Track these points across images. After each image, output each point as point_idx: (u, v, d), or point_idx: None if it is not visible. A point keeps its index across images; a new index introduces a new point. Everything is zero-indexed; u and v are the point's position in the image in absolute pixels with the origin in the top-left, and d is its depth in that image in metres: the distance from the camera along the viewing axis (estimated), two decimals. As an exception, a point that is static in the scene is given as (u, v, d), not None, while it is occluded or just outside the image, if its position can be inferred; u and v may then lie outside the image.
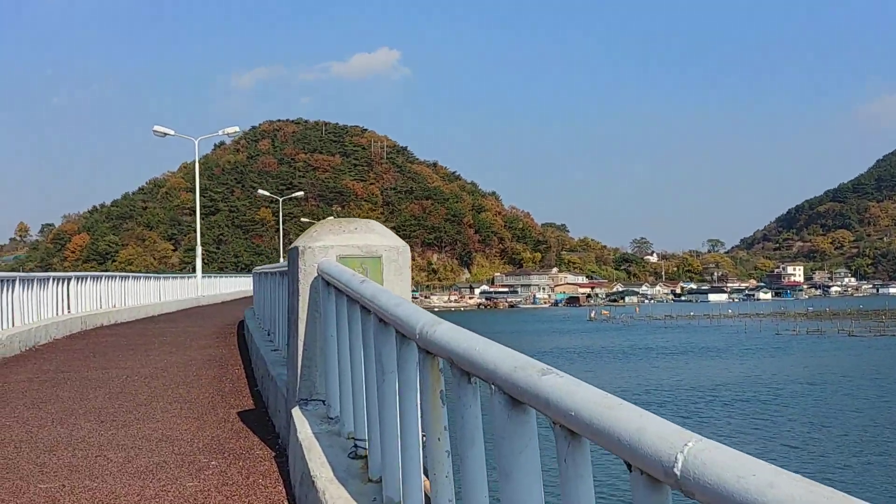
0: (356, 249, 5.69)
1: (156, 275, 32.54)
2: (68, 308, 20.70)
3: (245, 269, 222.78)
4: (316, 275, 5.65)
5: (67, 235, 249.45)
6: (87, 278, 22.37)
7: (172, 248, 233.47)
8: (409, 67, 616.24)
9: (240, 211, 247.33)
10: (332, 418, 5.26)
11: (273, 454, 6.24)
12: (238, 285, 51.71)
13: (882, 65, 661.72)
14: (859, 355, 64.99)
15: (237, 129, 41.71)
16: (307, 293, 5.67)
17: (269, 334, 11.98)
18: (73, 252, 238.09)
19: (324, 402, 5.62)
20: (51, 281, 18.93)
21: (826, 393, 43.64)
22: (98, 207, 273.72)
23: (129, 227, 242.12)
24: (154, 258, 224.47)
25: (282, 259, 79.12)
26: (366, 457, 4.52)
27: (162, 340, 17.32)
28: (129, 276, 27.46)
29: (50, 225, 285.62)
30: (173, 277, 34.80)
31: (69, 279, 20.83)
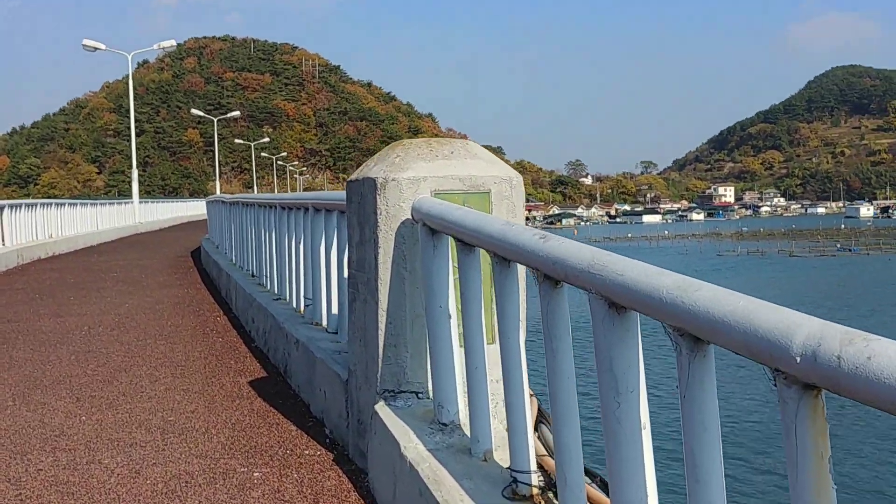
0: (457, 182, 4.07)
1: (92, 201, 30.06)
2: (2, 241, 18.50)
3: (173, 192, 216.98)
4: (407, 218, 4.02)
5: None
6: (20, 206, 20.09)
7: (97, 170, 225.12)
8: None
9: (166, 132, 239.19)
10: (444, 424, 3.71)
11: (331, 456, 4.67)
12: (175, 211, 49.11)
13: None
14: (808, 276, 65.82)
15: (173, 42, 38.59)
16: (390, 243, 4.05)
17: (253, 276, 10.28)
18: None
19: (418, 394, 4.06)
20: (-20, 211, 16.72)
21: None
22: (18, 129, 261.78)
23: (51, 149, 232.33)
24: (78, 182, 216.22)
25: (219, 185, 75.89)
26: (533, 499, 3.03)
27: (113, 277, 15.40)
28: (64, 203, 25.07)
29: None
30: (110, 203, 32.30)
31: (1, 208, 18.57)
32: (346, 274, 5.83)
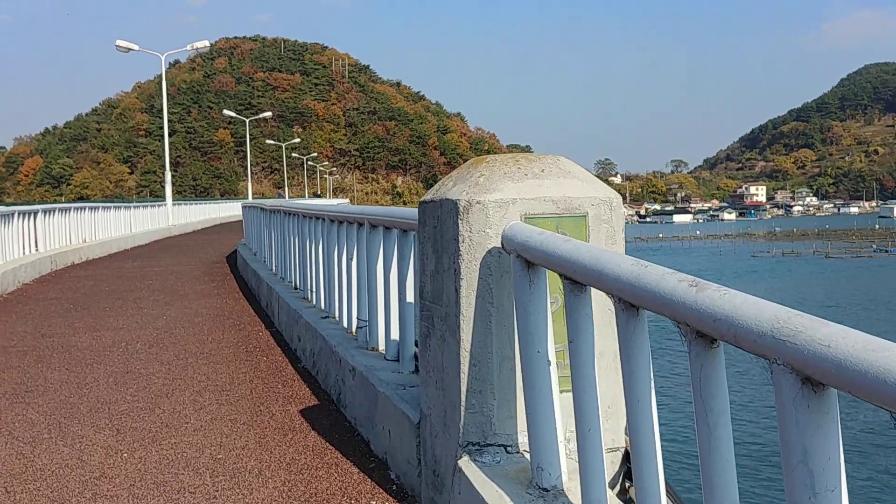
0: (549, 204, 3.57)
1: (125, 203, 29.90)
2: (35, 246, 18.26)
3: (204, 192, 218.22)
4: (494, 246, 3.52)
5: (20, 159, 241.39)
6: (54, 211, 19.86)
7: (129, 170, 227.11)
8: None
9: (197, 132, 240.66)
10: (545, 489, 3.20)
11: (406, 510, 4.19)
12: (207, 212, 49.01)
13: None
14: (847, 279, 64.52)
15: (206, 43, 38.38)
16: (474, 275, 3.55)
17: (296, 289, 9.83)
18: (26, 176, 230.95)
19: (507, 448, 3.56)
20: (16, 216, 16.47)
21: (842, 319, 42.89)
22: (51, 129, 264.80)
23: (84, 149, 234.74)
24: (110, 182, 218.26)
25: (250, 186, 75.84)
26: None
27: (148, 285, 15.06)
28: (98, 207, 24.88)
29: (1, 148, 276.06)
30: (143, 206, 32.14)
31: (35, 213, 18.33)
32: (408, 298, 5.36)
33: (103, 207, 25.41)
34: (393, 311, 5.73)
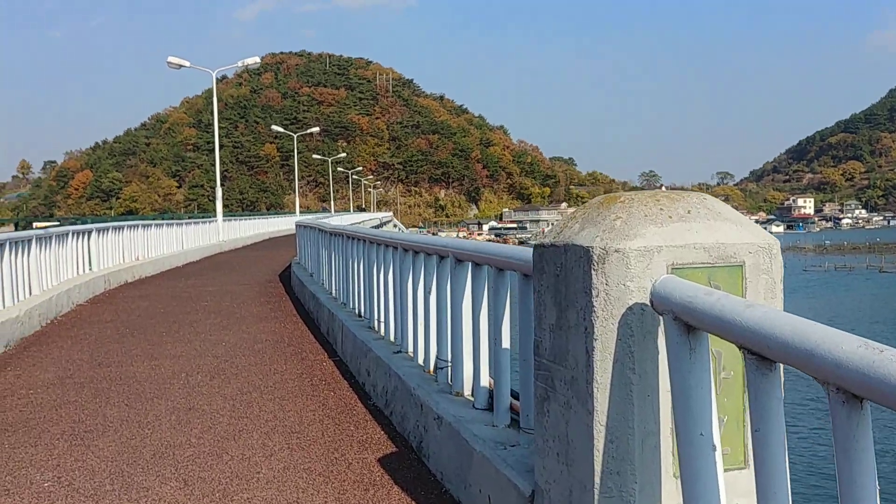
0: (700, 252, 3.05)
1: (177, 221, 29.88)
2: (90, 265, 18.13)
3: (251, 206, 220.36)
4: (636, 302, 3.01)
5: (71, 173, 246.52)
6: (108, 230, 19.74)
7: (177, 184, 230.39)
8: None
9: (244, 147, 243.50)
10: None
11: None
12: (256, 228, 49.11)
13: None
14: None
15: (257, 59, 38.39)
16: (611, 335, 3.04)
17: (360, 317, 9.40)
18: (76, 189, 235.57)
19: (653, 539, 3.03)
20: (70, 236, 16.32)
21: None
22: (101, 144, 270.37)
23: (133, 163, 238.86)
24: (158, 195, 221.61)
25: (297, 200, 76.00)
26: None
27: (204, 306, 14.77)
28: (151, 224, 24.82)
29: (52, 162, 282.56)
30: (195, 223, 32.11)
31: (89, 232, 18.22)
32: (504, 342, 4.86)
33: (156, 225, 25.36)
34: (482, 353, 5.23)
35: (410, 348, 6.91)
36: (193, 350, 10.18)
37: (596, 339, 3.08)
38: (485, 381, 5.20)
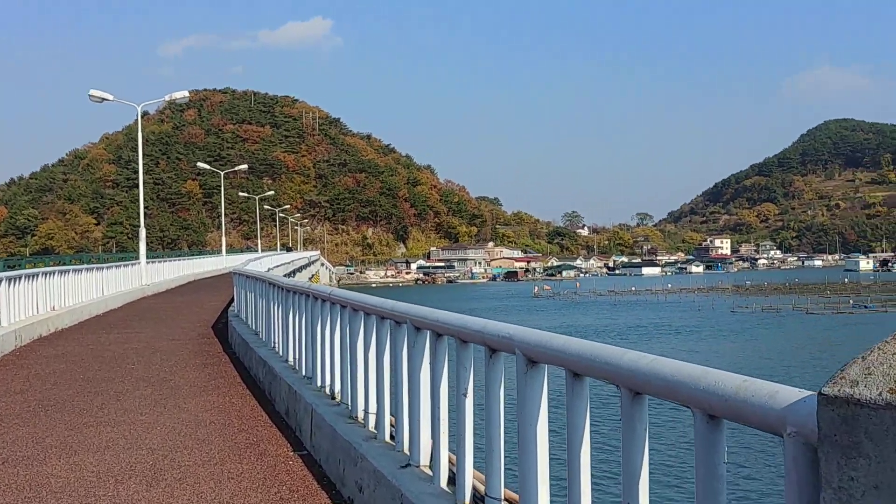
0: None
1: (98, 265, 27.54)
2: (-2, 319, 15.97)
3: (172, 243, 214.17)
4: None
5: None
6: (20, 278, 17.56)
7: (95, 222, 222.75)
8: (341, 37, 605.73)
9: (165, 183, 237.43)
10: None
11: None
12: (181, 269, 46.54)
13: (810, 39, 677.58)
14: (830, 334, 63.95)
15: (185, 93, 36.37)
16: None
17: (334, 399, 7.74)
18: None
19: None
20: (-26, 288, 14.20)
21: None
22: (16, 180, 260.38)
23: (49, 200, 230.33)
24: (76, 233, 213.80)
25: (224, 239, 73.44)
26: None
27: (131, 371, 12.84)
28: (69, 270, 22.54)
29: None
30: (116, 266, 29.75)
31: (-2, 282, 16.07)
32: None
33: (74, 270, 23.07)
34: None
35: (424, 460, 5.31)
36: (122, 438, 8.34)
37: None
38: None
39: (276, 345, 11.25)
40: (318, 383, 8.37)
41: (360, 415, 6.79)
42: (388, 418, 6.18)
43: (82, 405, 10.16)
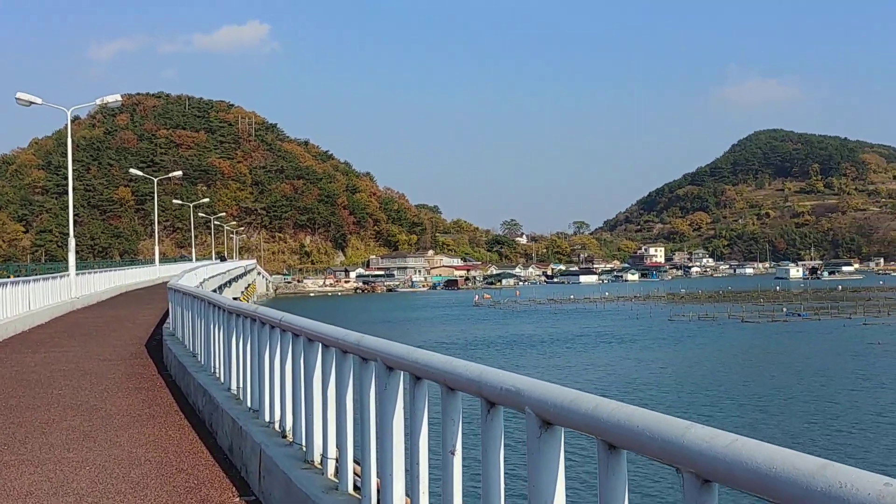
0: None
1: (24, 278, 26.06)
2: None
3: (103, 252, 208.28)
4: None
5: None
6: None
7: (24, 229, 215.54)
8: (279, 42, 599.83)
9: (96, 190, 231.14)
10: None
11: None
12: (112, 280, 44.83)
13: (738, 51, 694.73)
14: (768, 342, 64.97)
15: (118, 97, 34.92)
16: None
17: (285, 437, 6.99)
18: None
19: None
20: None
21: (775, 384, 42.61)
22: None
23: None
24: (3, 241, 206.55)
25: (157, 247, 71.39)
26: None
27: (58, 397, 11.85)
28: (-11, 285, 21.19)
29: None
30: (44, 279, 28.24)
31: None
32: None
33: (-6, 285, 21.72)
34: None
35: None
36: (46, 480, 7.46)
37: None
38: None
39: (217, 370, 10.43)
40: (267, 418, 7.62)
41: (317, 458, 6.08)
42: (350, 465, 5.48)
43: (2, 439, 9.20)
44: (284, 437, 7.02)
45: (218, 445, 8.68)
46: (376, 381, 4.82)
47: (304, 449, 6.35)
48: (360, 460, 5.32)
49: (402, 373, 4.59)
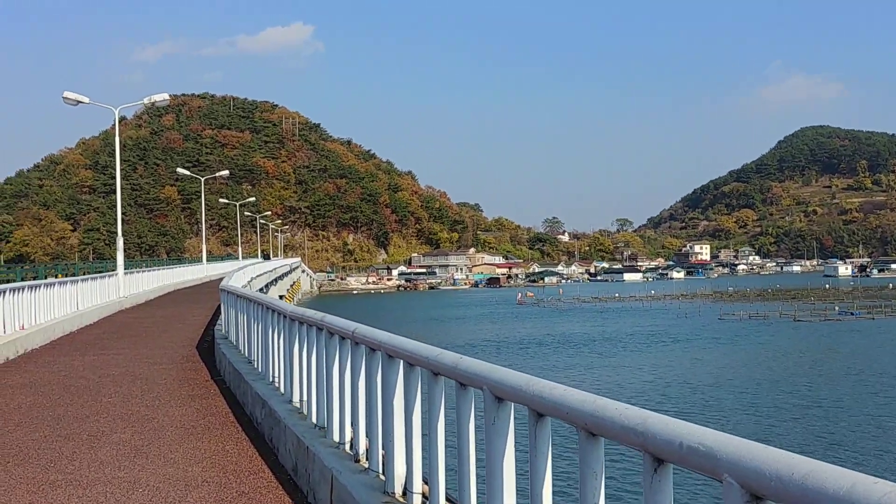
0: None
1: (72, 279, 25.84)
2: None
3: (150, 250, 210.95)
4: None
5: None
6: (-16, 297, 15.96)
7: (71, 228, 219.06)
8: (322, 43, 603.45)
9: (143, 189, 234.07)
10: None
11: None
12: (160, 279, 44.75)
13: (785, 48, 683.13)
14: (825, 341, 63.43)
15: (165, 96, 34.72)
16: None
17: (357, 461, 6.27)
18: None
19: None
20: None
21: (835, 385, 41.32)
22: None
23: (25, 205, 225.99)
24: (51, 239, 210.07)
25: (204, 246, 71.63)
26: None
27: (106, 406, 11.30)
28: (40, 285, 20.87)
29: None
30: (92, 278, 28.03)
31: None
32: None
33: (45, 285, 21.41)
34: None
35: None
36: (96, 501, 6.84)
37: None
38: None
39: (277, 379, 9.76)
40: (336, 437, 6.90)
41: (398, 489, 5.35)
42: (443, 501, 4.75)
43: (50, 455, 8.62)
44: (357, 461, 6.31)
45: (280, 464, 8.01)
46: (484, 412, 4.06)
47: (383, 478, 5.62)
48: (455, 499, 4.58)
49: (512, 404, 3.85)
